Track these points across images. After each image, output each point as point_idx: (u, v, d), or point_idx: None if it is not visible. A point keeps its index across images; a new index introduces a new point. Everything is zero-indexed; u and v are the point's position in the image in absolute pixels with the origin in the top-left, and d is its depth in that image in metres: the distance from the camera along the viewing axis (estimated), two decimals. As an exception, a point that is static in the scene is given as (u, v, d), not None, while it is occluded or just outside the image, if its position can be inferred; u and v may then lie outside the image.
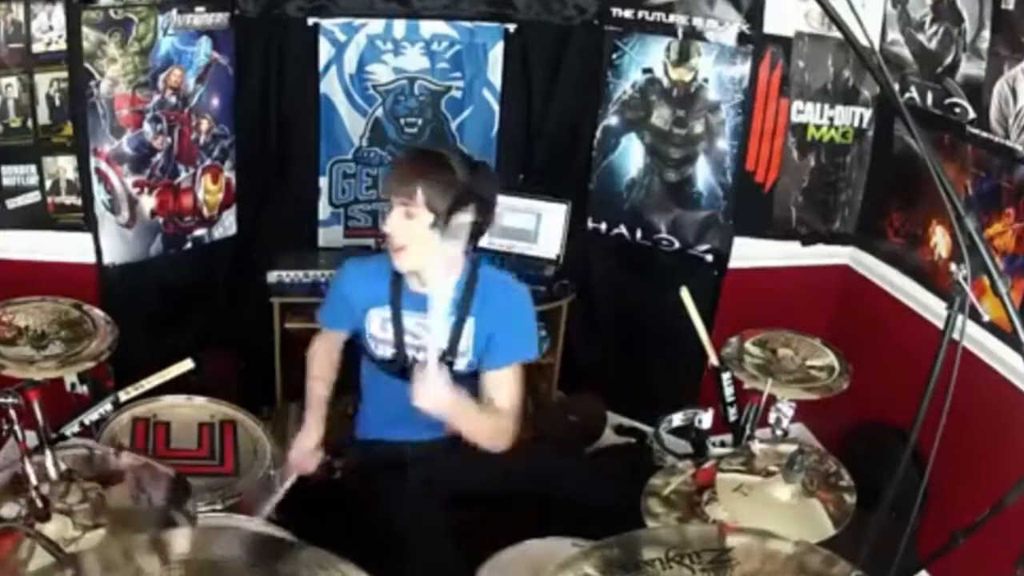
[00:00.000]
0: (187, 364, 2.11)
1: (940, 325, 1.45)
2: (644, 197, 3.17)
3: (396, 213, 1.99)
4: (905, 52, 2.73)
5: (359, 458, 2.27)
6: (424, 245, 1.98)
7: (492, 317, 2.10)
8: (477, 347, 2.11)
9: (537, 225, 3.16)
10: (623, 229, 3.22)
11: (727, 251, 3.09)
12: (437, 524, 1.99)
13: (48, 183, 2.68)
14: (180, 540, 1.11)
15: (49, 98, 2.60)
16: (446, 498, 2.05)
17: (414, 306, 2.08)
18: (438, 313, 1.90)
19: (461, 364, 2.12)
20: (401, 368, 2.12)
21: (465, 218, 1.95)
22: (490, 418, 2.05)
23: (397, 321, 2.10)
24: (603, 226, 3.25)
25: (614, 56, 3.08)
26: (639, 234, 3.20)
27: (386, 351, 2.14)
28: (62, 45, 2.55)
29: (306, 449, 2.19)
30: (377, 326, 2.13)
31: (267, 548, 1.14)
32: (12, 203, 2.66)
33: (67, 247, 2.75)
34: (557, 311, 3.13)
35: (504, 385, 2.09)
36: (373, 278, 2.13)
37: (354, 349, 2.29)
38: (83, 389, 2.19)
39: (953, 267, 1.39)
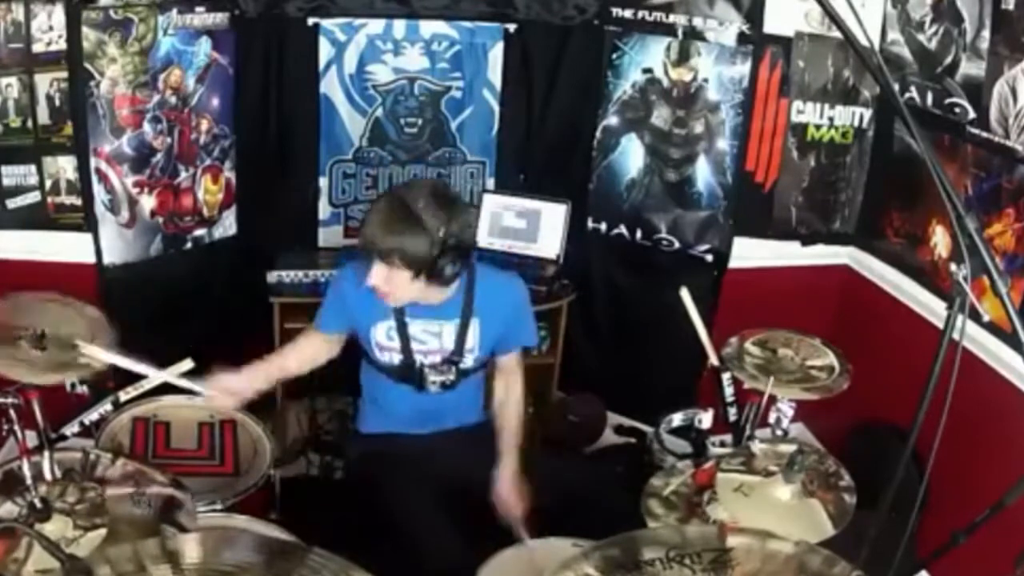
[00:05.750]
0: (187, 364, 2.10)
1: (940, 325, 1.45)
2: (644, 197, 3.17)
3: (376, 268, 1.93)
4: (905, 52, 2.73)
5: (361, 450, 2.26)
6: (408, 291, 1.97)
7: (497, 315, 2.14)
8: (485, 344, 2.15)
9: (537, 225, 3.16)
10: (623, 229, 3.22)
11: (727, 251, 3.09)
12: (439, 518, 1.99)
13: (48, 183, 2.68)
14: (192, 547, 1.09)
15: (49, 98, 2.59)
16: (447, 493, 2.05)
17: (419, 314, 2.08)
18: None
19: (468, 361, 2.16)
20: (408, 374, 2.13)
21: (448, 269, 1.92)
22: (519, 421, 2.24)
23: (403, 330, 2.10)
24: (603, 226, 3.25)
25: (614, 56, 3.08)
26: (639, 234, 3.20)
27: (393, 358, 2.13)
28: (62, 45, 2.55)
29: (229, 387, 2.07)
30: (383, 335, 2.12)
31: (279, 554, 1.12)
32: (12, 203, 2.66)
33: (67, 247, 2.75)
34: (557, 311, 3.13)
35: (513, 365, 2.26)
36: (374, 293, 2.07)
37: (353, 349, 2.28)
38: (83, 389, 2.18)
39: (953, 267, 1.38)
